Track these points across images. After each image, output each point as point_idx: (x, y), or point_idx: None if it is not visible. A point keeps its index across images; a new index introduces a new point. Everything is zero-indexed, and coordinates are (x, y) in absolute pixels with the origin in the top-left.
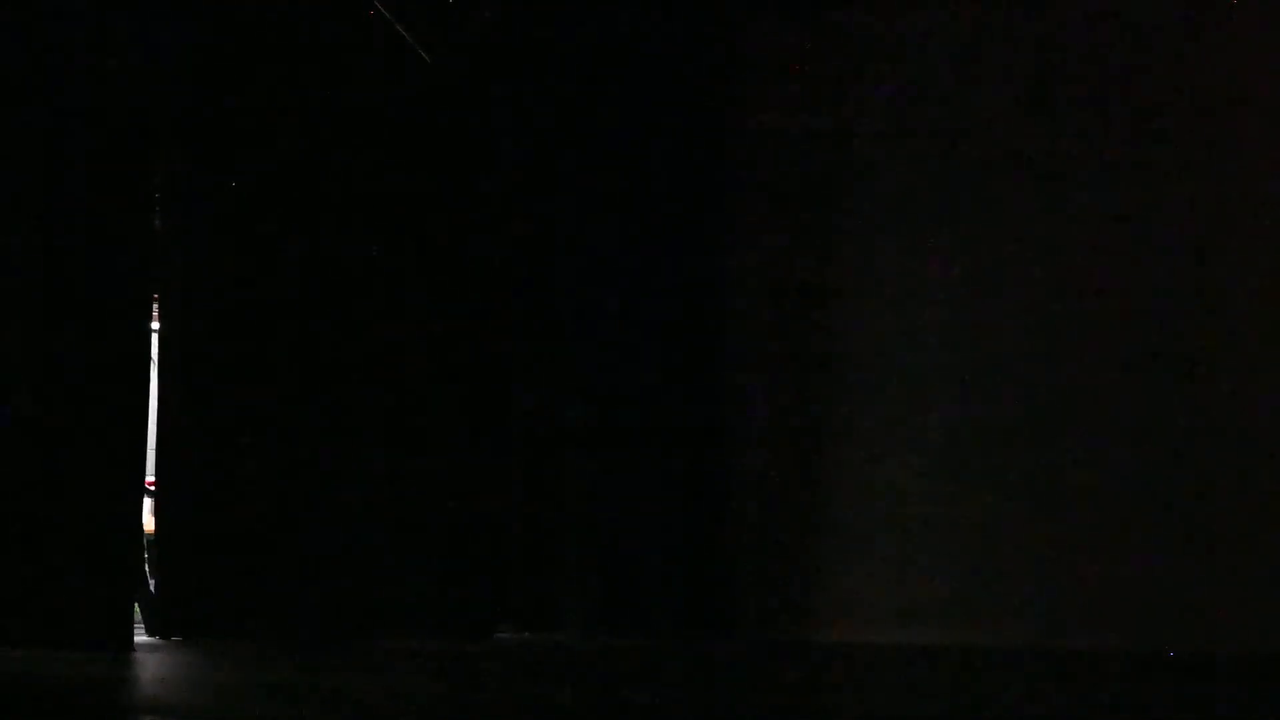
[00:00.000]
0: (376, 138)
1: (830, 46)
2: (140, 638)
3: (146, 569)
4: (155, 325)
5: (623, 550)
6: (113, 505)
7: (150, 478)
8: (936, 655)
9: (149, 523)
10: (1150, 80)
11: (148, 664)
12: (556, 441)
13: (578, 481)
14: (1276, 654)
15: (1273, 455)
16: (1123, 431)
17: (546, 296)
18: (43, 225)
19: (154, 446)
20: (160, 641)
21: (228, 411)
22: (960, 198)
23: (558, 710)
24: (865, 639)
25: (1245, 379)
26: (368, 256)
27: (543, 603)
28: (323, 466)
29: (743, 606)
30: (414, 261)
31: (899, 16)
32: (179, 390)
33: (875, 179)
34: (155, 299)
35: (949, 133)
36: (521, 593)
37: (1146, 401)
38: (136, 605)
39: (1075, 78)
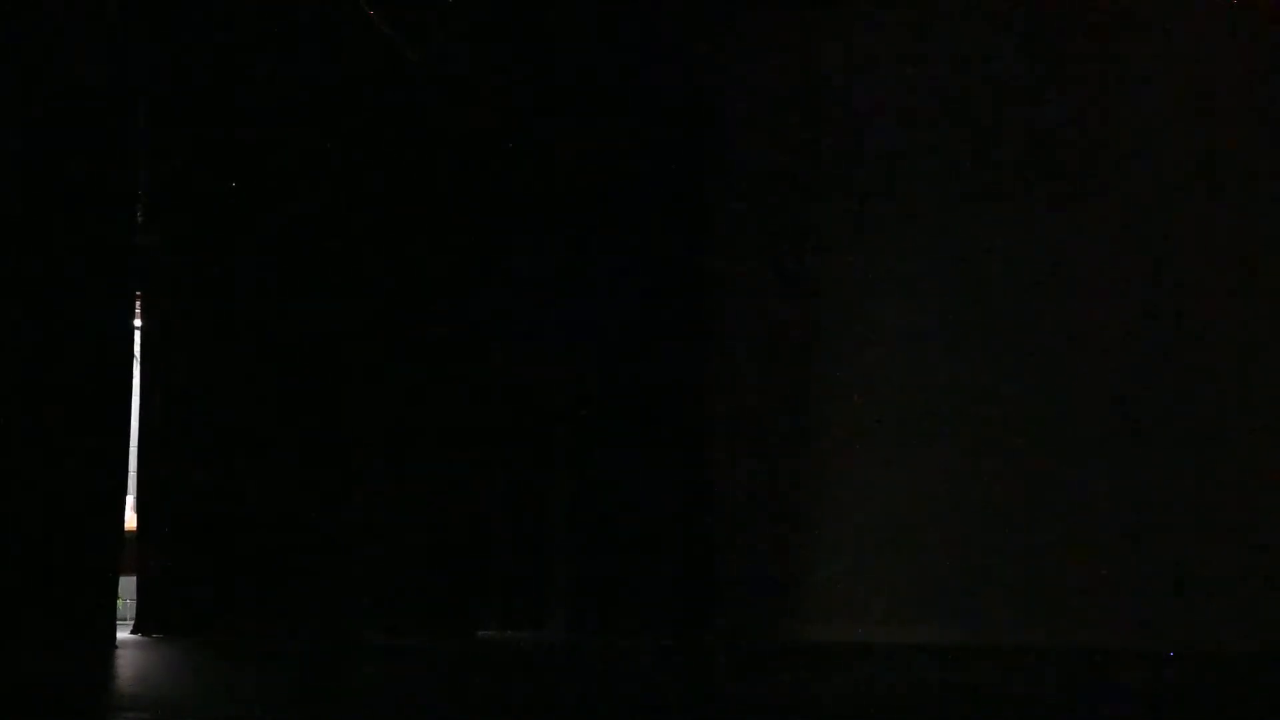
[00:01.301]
0: (364, 135)
1: (825, 58)
2: (122, 634)
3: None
4: (138, 322)
5: (612, 549)
6: (95, 502)
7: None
8: (932, 653)
9: (130, 520)
10: (1151, 83)
11: (129, 661)
12: (545, 440)
13: (566, 480)
14: (1276, 653)
15: (1273, 455)
16: (1121, 432)
17: (537, 296)
18: (25, 222)
19: (136, 443)
20: (142, 638)
21: (211, 409)
22: (961, 193)
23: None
24: (859, 638)
25: (1245, 379)
26: (354, 255)
27: (529, 601)
28: (307, 465)
29: (733, 605)
30: (401, 261)
31: (893, 34)
32: (162, 387)
33: (876, 179)
34: (138, 296)
35: (947, 141)
36: (507, 591)
37: (1145, 402)
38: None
39: (1074, 85)
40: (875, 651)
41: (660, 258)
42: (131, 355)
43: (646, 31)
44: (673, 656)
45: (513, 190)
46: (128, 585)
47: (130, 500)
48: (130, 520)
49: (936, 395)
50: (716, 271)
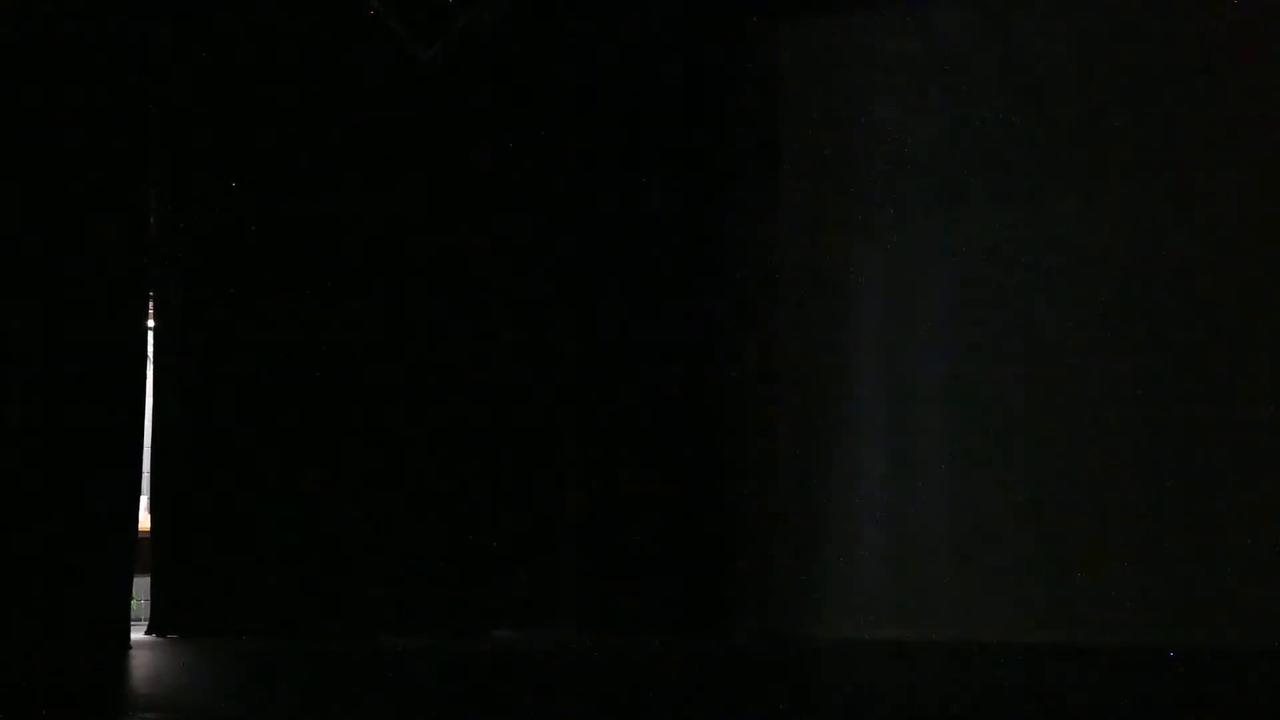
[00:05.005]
0: (373, 134)
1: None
2: (137, 635)
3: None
4: (151, 323)
5: (623, 548)
6: (109, 503)
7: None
8: (938, 653)
9: (144, 520)
10: (1153, 82)
11: (144, 662)
12: (553, 440)
13: (577, 479)
14: (1276, 652)
15: (1273, 455)
16: (1123, 431)
17: (542, 297)
18: (39, 225)
19: (150, 444)
20: (157, 639)
21: (223, 409)
22: (969, 194)
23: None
24: (863, 636)
25: (1246, 379)
26: (363, 256)
27: (540, 601)
28: (319, 465)
29: (740, 604)
30: (409, 261)
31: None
32: (175, 388)
33: (879, 176)
34: (150, 297)
35: (949, 136)
36: (519, 591)
37: (1146, 401)
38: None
39: (1075, 81)
40: (884, 650)
41: (668, 256)
42: (145, 356)
43: (657, 23)
44: (684, 655)
45: (518, 189)
46: (142, 586)
47: (144, 501)
48: (144, 521)
49: (942, 395)
50: (724, 271)
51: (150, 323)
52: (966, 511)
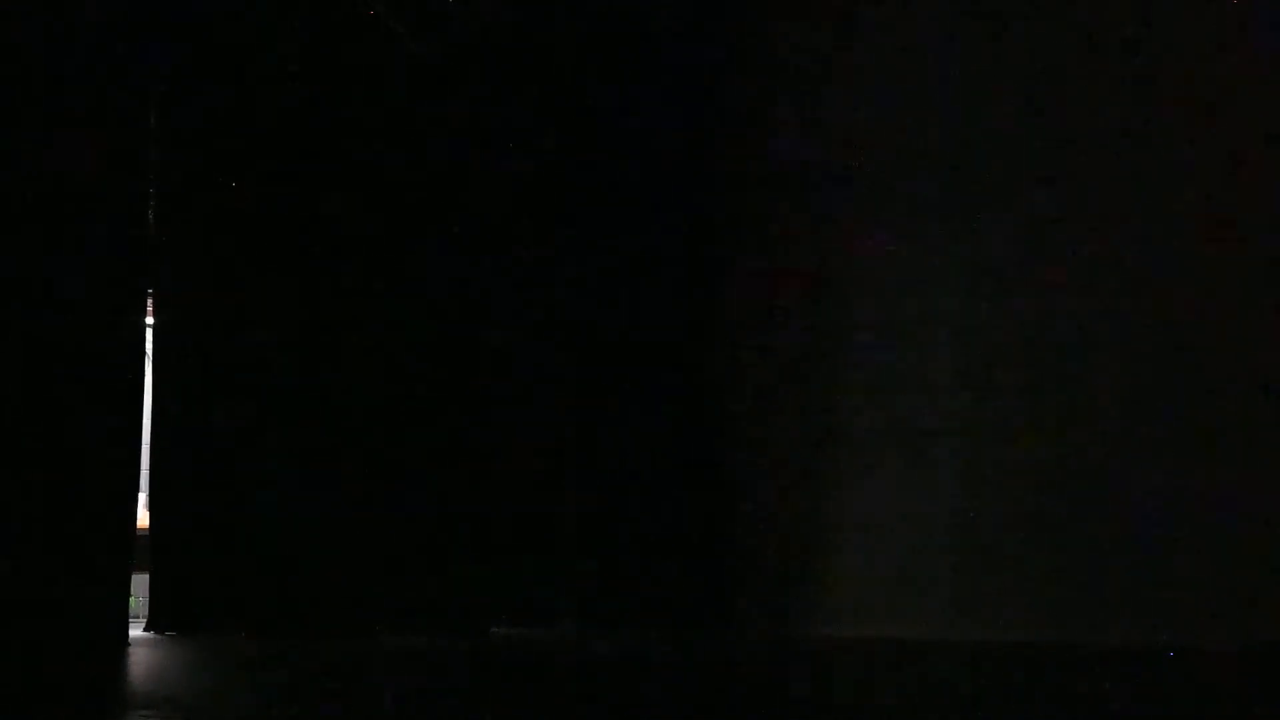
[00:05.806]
0: (372, 131)
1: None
2: (135, 632)
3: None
4: (149, 320)
5: (623, 546)
6: (107, 500)
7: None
8: (939, 651)
9: (143, 518)
10: (1155, 80)
11: (142, 659)
12: (556, 438)
13: (577, 477)
14: (1274, 650)
15: (1274, 455)
16: (1124, 432)
17: (548, 296)
18: (38, 221)
19: (149, 441)
20: (155, 636)
21: (222, 408)
22: (967, 196)
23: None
24: (863, 636)
25: (1247, 380)
26: (363, 253)
27: (540, 600)
28: (318, 464)
29: (741, 602)
30: (411, 258)
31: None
32: (174, 385)
33: (882, 174)
34: (149, 294)
35: (954, 132)
36: (519, 590)
37: (1147, 401)
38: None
39: (1080, 78)
40: (884, 650)
41: (671, 256)
42: (144, 353)
43: (649, 21)
44: (684, 655)
45: (520, 186)
46: (140, 583)
47: (142, 498)
48: (142, 518)
49: (946, 394)
50: (728, 269)
51: (150, 321)
52: (967, 512)
